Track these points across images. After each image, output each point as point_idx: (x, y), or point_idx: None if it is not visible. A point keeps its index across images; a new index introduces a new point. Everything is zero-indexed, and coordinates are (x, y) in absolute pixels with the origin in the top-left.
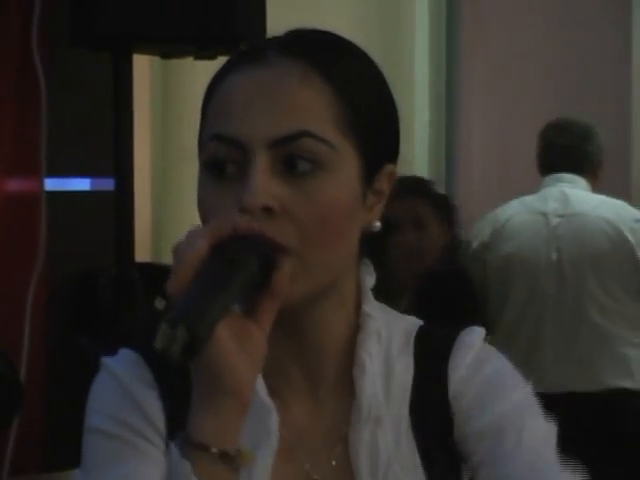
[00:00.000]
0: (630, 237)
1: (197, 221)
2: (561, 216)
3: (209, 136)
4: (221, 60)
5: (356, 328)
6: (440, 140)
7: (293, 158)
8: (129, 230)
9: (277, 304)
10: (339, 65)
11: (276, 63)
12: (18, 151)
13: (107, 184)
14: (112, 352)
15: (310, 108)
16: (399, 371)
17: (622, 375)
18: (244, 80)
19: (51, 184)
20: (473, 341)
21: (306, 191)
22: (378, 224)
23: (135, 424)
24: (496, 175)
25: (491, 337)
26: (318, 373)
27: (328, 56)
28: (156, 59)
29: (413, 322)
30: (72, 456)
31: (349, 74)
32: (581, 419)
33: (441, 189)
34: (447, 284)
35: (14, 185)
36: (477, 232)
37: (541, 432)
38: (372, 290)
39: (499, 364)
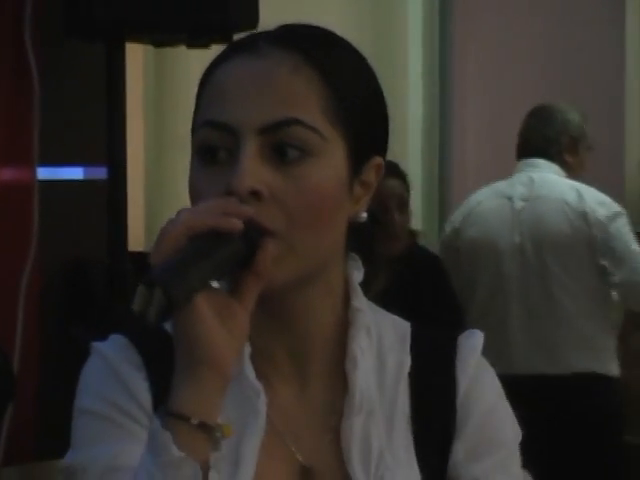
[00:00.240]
0: (588, 217)
1: None
2: (525, 200)
3: (201, 122)
4: (214, 49)
5: (345, 321)
6: (433, 136)
7: (282, 145)
8: (122, 219)
9: (260, 284)
10: (329, 57)
11: (268, 54)
12: (11, 140)
13: (100, 173)
14: (104, 339)
15: (300, 97)
16: (391, 366)
17: (589, 359)
18: (236, 69)
19: (44, 173)
20: (476, 345)
21: (294, 177)
22: (365, 215)
23: (123, 405)
24: (489, 171)
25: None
26: (304, 359)
27: (319, 48)
28: (149, 48)
29: (400, 321)
30: (65, 445)
31: (339, 66)
32: (548, 401)
33: (435, 185)
34: (425, 269)
35: (7, 174)
36: (451, 219)
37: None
38: (360, 285)
39: (496, 386)
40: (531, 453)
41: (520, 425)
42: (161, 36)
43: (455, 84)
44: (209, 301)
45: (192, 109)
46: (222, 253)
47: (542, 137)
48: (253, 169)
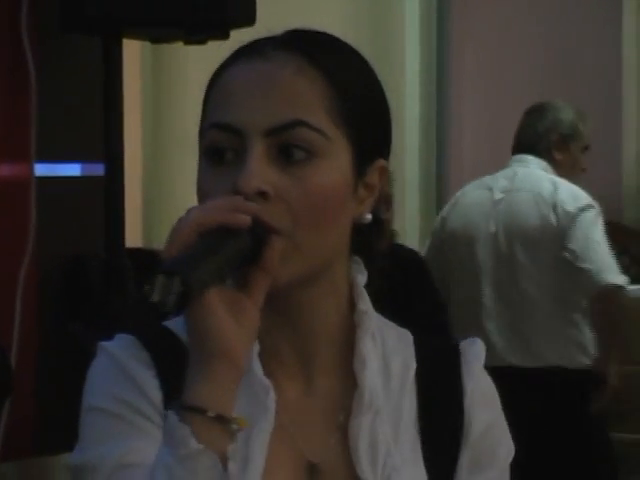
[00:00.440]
0: (558, 209)
1: (187, 205)
2: (504, 191)
3: (208, 125)
4: (211, 45)
5: (351, 323)
6: (431, 134)
7: (288, 146)
8: (119, 215)
9: (268, 280)
10: (333, 61)
11: (273, 57)
12: (8, 136)
13: (97, 169)
14: (104, 336)
15: (305, 99)
16: (396, 368)
17: (558, 352)
18: (242, 72)
19: (41, 169)
20: (479, 352)
21: (300, 177)
22: (369, 216)
23: (133, 402)
24: (486, 168)
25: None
26: (310, 357)
27: (323, 52)
28: (147, 45)
29: (400, 327)
30: (63, 440)
31: (343, 69)
32: (524, 395)
33: (432, 182)
34: (408, 266)
35: (4, 170)
36: (442, 210)
37: None
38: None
39: (497, 399)
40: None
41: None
42: (158, 32)
43: (452, 82)
44: (220, 295)
45: (189, 105)
46: (231, 249)
47: (533, 134)
48: (260, 170)
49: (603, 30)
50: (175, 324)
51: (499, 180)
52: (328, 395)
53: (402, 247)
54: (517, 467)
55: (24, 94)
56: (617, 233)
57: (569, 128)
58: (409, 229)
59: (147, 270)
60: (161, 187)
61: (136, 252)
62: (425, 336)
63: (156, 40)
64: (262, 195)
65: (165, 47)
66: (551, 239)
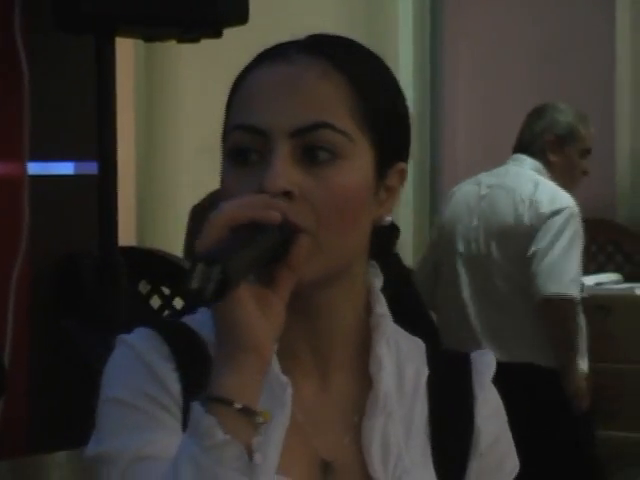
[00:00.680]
0: (533, 209)
1: (180, 204)
2: (490, 187)
3: (233, 126)
4: (204, 43)
5: (367, 326)
6: (425, 132)
7: (312, 148)
8: (112, 214)
9: (294, 277)
10: (356, 64)
11: (297, 60)
12: (1, 135)
13: (91, 168)
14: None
15: (329, 101)
16: (409, 374)
17: (528, 350)
18: (266, 75)
19: (34, 168)
20: (490, 363)
21: (323, 178)
22: (389, 219)
23: (153, 394)
24: (480, 166)
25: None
26: (327, 357)
27: (346, 56)
28: (140, 43)
29: (410, 335)
30: (56, 438)
31: (365, 73)
32: (502, 391)
33: (426, 180)
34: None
35: None
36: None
37: None
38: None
39: (504, 414)
40: None
41: None
42: (151, 31)
43: (445, 81)
44: (249, 290)
45: (182, 104)
46: (263, 244)
47: (530, 134)
48: (285, 170)
49: (596, 28)
50: (193, 321)
51: (489, 177)
52: (343, 395)
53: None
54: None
55: (17, 93)
56: (610, 231)
57: (565, 130)
58: (403, 227)
59: (140, 269)
60: (154, 186)
61: (129, 250)
62: (437, 345)
63: (149, 38)
64: (287, 195)
65: (158, 46)
66: (523, 238)
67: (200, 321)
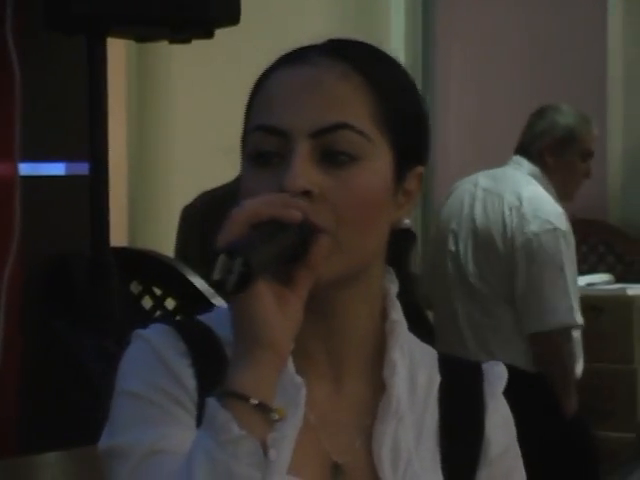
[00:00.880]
0: (519, 226)
1: (172, 205)
2: (485, 191)
3: (253, 127)
4: (195, 44)
5: (382, 331)
6: None
7: (332, 148)
8: (104, 215)
9: (313, 277)
10: (376, 67)
11: (318, 62)
12: None
13: (82, 169)
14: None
15: (349, 102)
16: (422, 380)
17: (510, 353)
18: (287, 77)
19: (26, 169)
20: (502, 374)
21: (343, 178)
22: (407, 222)
23: (168, 389)
24: (473, 162)
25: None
26: (341, 359)
27: (366, 58)
28: (132, 44)
29: (422, 343)
30: (47, 439)
31: (385, 76)
32: None
33: None
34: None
35: None
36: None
37: None
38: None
39: (513, 427)
40: None
41: None
42: (143, 31)
43: (438, 80)
44: (268, 286)
45: (174, 104)
46: (283, 241)
47: (530, 135)
48: (304, 170)
49: (588, 27)
50: (208, 318)
51: (486, 179)
52: (356, 398)
53: None
54: None
55: (8, 94)
56: (602, 231)
57: (564, 132)
58: None
59: (132, 270)
60: (146, 186)
61: (121, 251)
62: (447, 354)
63: (141, 39)
64: (307, 195)
65: (150, 46)
66: (505, 252)
67: (215, 319)
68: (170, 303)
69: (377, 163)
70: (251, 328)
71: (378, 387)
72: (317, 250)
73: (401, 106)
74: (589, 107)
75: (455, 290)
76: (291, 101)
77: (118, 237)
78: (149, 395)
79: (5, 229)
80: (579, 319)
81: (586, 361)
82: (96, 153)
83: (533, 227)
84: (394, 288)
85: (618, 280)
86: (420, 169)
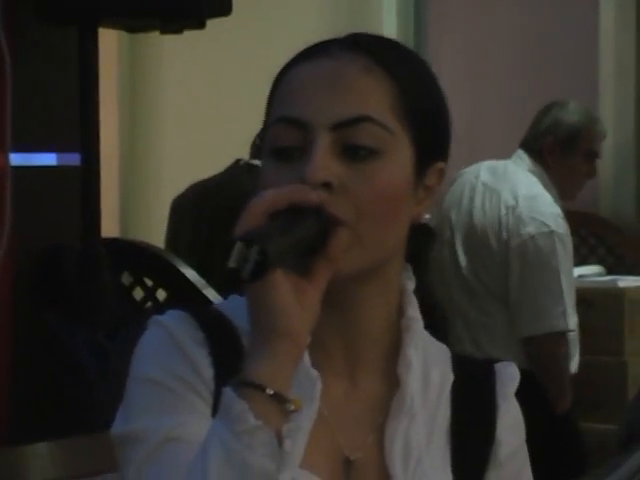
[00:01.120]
0: (514, 227)
1: (163, 196)
2: (484, 185)
3: (275, 119)
4: (187, 34)
5: (397, 327)
6: None
7: (353, 141)
8: (95, 205)
9: (331, 269)
10: (398, 61)
11: (340, 56)
12: None
13: (73, 159)
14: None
15: (370, 95)
16: (435, 379)
17: (502, 350)
18: (308, 70)
19: (17, 159)
20: (515, 375)
21: (364, 171)
22: (427, 216)
23: (185, 376)
24: (465, 154)
25: None
26: (356, 354)
27: (388, 53)
28: (123, 34)
29: (436, 341)
30: (38, 430)
31: (407, 70)
32: None
33: None
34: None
35: None
36: None
37: None
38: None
39: (524, 429)
40: None
41: None
42: (134, 22)
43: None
44: (285, 276)
45: (166, 95)
46: (301, 231)
47: (534, 131)
48: (325, 162)
49: (580, 23)
50: (225, 307)
51: (487, 172)
52: (370, 394)
53: None
54: None
55: (0, 84)
56: (593, 224)
57: (567, 132)
58: None
59: (123, 260)
60: (137, 177)
61: (112, 242)
62: (461, 353)
63: (132, 30)
64: (327, 186)
65: (141, 37)
66: (499, 251)
67: (232, 308)
68: (161, 294)
69: (398, 157)
70: (268, 318)
71: (392, 383)
72: (336, 242)
73: (423, 100)
74: (581, 101)
75: (451, 279)
76: (312, 93)
77: (109, 228)
78: (166, 382)
79: None
80: (572, 324)
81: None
82: (87, 144)
83: (529, 229)
84: (411, 284)
85: (609, 272)
86: (441, 165)
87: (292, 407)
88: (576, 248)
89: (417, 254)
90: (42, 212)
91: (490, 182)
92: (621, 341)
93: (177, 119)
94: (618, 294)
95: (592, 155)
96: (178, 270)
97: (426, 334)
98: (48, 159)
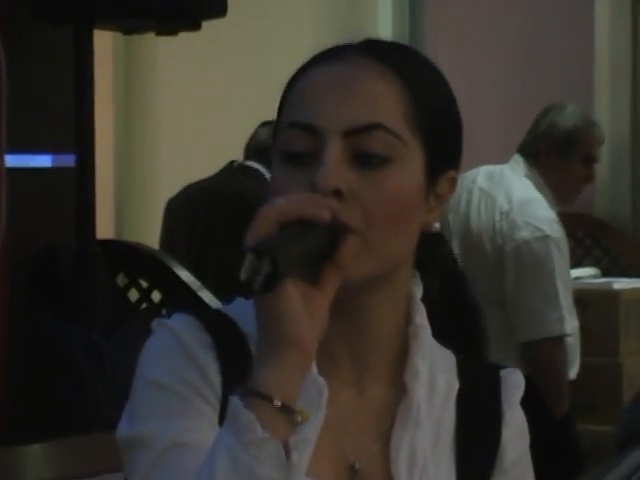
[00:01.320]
0: (508, 232)
1: (158, 197)
2: (481, 190)
3: (286, 124)
4: (182, 36)
5: (404, 334)
6: None
7: (365, 148)
8: (90, 206)
9: (340, 277)
10: (411, 68)
11: (353, 60)
12: None
13: (69, 160)
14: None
15: (383, 102)
16: (441, 386)
17: (495, 354)
18: (322, 73)
19: (12, 160)
20: (520, 382)
21: (375, 179)
22: (437, 225)
23: (193, 381)
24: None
25: None
26: (364, 362)
27: (402, 59)
28: (119, 35)
29: (442, 347)
30: (33, 430)
31: (420, 77)
32: None
33: None
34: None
35: None
36: None
37: None
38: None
39: (528, 437)
40: None
41: None
42: (130, 23)
43: None
44: (295, 285)
45: (161, 96)
46: (312, 241)
47: (531, 135)
48: (336, 169)
49: (576, 23)
50: (232, 310)
51: (484, 178)
52: (376, 401)
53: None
54: None
55: None
56: (588, 225)
57: (563, 135)
58: None
59: (118, 261)
60: (133, 178)
61: (107, 243)
62: (467, 359)
63: (128, 31)
64: (337, 194)
65: (137, 38)
66: (493, 258)
67: (240, 312)
68: (156, 295)
69: (409, 165)
70: (277, 327)
71: (399, 390)
72: (346, 250)
73: (435, 108)
74: (576, 102)
75: None
76: (325, 99)
77: (104, 229)
78: (174, 386)
79: None
80: (570, 329)
81: None
82: (83, 145)
83: (524, 234)
84: (419, 291)
85: (604, 274)
86: (452, 173)
87: (299, 418)
88: (572, 250)
89: (426, 261)
90: (37, 213)
91: (486, 187)
92: (616, 343)
93: (172, 120)
94: (613, 296)
95: (590, 160)
96: (173, 271)
97: (432, 340)
98: (43, 160)
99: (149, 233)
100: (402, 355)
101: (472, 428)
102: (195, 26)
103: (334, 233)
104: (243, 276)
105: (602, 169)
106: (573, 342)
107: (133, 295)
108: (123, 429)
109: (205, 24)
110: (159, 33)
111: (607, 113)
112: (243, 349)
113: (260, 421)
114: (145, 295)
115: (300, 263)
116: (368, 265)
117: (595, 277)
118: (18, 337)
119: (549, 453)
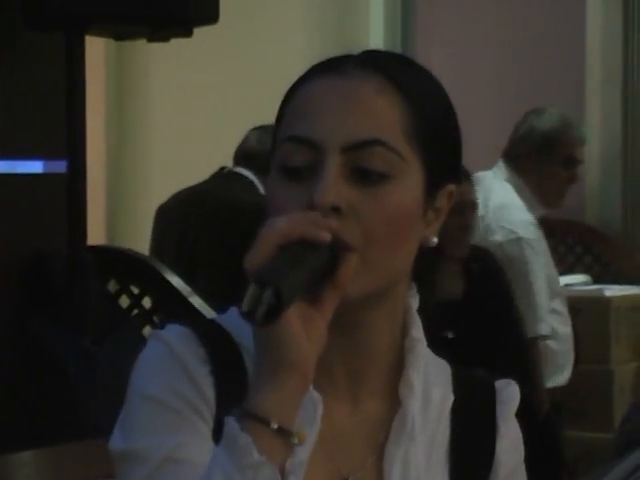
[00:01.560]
0: (484, 236)
1: (149, 203)
2: None
3: (284, 137)
4: (174, 42)
5: (400, 347)
6: None
7: (364, 165)
8: (82, 213)
9: (339, 296)
10: (411, 82)
11: (353, 74)
12: None
13: (60, 167)
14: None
15: (383, 118)
16: (436, 399)
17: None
18: (321, 87)
19: (3, 166)
20: (515, 394)
21: (373, 196)
22: (435, 240)
23: (188, 396)
24: None
25: None
26: (360, 377)
27: (402, 73)
28: (110, 42)
29: (437, 357)
30: (23, 437)
31: (420, 92)
32: None
33: None
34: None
35: None
36: None
37: None
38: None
39: (522, 448)
40: None
41: None
42: (121, 29)
43: None
44: (295, 309)
45: (153, 103)
46: (313, 263)
47: (512, 140)
48: (335, 185)
49: (567, 27)
50: (225, 320)
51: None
52: (371, 414)
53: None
54: None
55: None
56: (579, 232)
57: (541, 138)
58: None
59: (110, 268)
60: (124, 185)
61: (98, 249)
62: (461, 369)
63: (119, 37)
64: (336, 210)
65: (129, 44)
66: None
67: (231, 321)
68: (147, 301)
69: (408, 181)
70: (276, 350)
71: (393, 403)
72: (345, 269)
73: (434, 123)
74: (567, 109)
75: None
76: (324, 113)
77: (96, 235)
78: (169, 401)
79: None
80: (545, 330)
81: None
82: (74, 151)
83: (497, 237)
84: (415, 303)
85: (595, 281)
86: (451, 187)
87: (296, 440)
88: (562, 256)
89: (423, 273)
90: (28, 219)
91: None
92: (607, 349)
93: (164, 126)
94: (605, 303)
95: (572, 161)
96: (164, 277)
97: (428, 351)
98: (35, 166)
99: (140, 239)
100: (397, 367)
101: (466, 441)
102: (187, 32)
103: (334, 251)
104: (245, 307)
105: (593, 176)
106: (561, 347)
107: (124, 301)
108: (117, 442)
109: (197, 30)
110: (151, 39)
111: (598, 119)
112: (237, 363)
113: (257, 445)
114: (136, 301)
115: (302, 289)
116: (367, 282)
117: (586, 284)
118: (8, 343)
119: (533, 456)
